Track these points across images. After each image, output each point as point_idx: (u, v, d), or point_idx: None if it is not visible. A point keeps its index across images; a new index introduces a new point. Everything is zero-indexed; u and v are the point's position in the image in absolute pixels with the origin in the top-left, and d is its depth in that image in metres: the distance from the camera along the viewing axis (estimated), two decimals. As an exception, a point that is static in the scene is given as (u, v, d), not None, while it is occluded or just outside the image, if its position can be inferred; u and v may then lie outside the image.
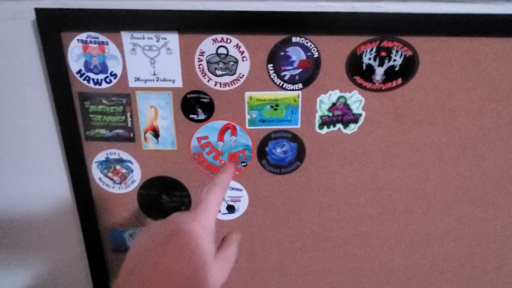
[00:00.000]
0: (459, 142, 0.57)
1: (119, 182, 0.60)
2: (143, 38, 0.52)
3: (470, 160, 0.58)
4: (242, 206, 0.61)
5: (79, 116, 0.56)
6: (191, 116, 0.56)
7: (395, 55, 0.51)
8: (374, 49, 0.51)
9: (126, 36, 0.52)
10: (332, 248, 0.64)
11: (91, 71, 0.54)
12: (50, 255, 0.66)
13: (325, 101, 0.55)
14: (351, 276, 0.67)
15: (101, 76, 0.54)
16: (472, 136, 0.57)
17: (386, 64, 0.52)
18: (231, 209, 0.61)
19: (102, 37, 0.52)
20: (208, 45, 0.52)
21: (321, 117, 0.55)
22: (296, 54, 0.52)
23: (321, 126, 0.56)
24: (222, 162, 0.58)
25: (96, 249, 0.64)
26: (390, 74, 0.53)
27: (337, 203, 0.61)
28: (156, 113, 0.56)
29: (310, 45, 0.51)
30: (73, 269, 0.68)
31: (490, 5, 0.49)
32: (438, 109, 0.55)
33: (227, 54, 0.52)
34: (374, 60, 0.52)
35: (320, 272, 0.66)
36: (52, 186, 0.61)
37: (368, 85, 0.53)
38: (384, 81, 0.53)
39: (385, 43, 0.51)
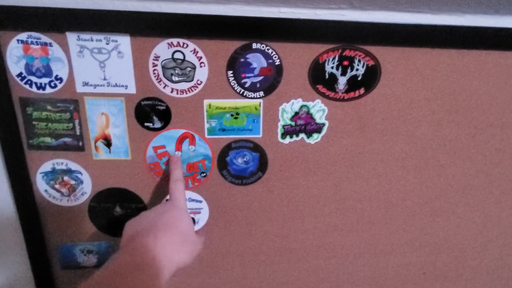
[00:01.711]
0: (421, 152, 0.57)
1: (67, 194, 0.55)
2: (91, 40, 0.48)
3: (432, 170, 0.58)
4: (202, 218, 0.58)
5: (21, 124, 0.51)
6: (146, 124, 0.52)
7: (358, 65, 0.50)
8: (337, 58, 0.50)
9: (72, 38, 0.47)
10: (296, 261, 0.63)
11: (33, 74, 0.49)
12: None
13: (287, 110, 0.53)
14: (315, 288, 0.66)
15: (44, 80, 0.49)
16: (433, 146, 0.57)
17: (349, 74, 0.51)
18: (190, 221, 0.58)
19: (45, 38, 0.47)
20: (163, 49, 0.48)
21: (283, 126, 0.54)
22: (257, 61, 0.50)
23: (283, 135, 0.54)
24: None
25: (43, 266, 0.59)
26: (353, 84, 0.51)
27: (301, 214, 0.59)
28: (108, 120, 0.52)
29: (272, 52, 0.49)
30: None
31: (452, 17, 0.49)
32: (400, 119, 0.55)
33: (183, 60, 0.49)
34: (337, 69, 0.50)
35: (285, 285, 0.64)
36: (-8, 198, 0.55)
37: (331, 94, 0.52)
38: (347, 91, 0.52)
39: (348, 52, 0.50)
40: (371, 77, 0.51)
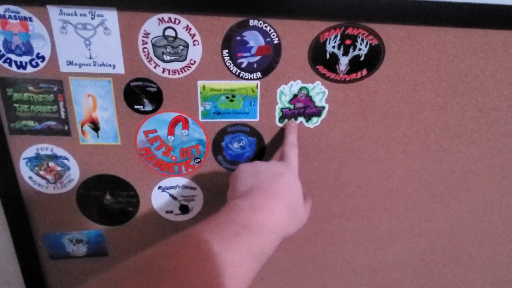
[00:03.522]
0: (424, 136, 0.55)
1: (53, 181, 0.53)
2: (75, 14, 0.44)
3: (434, 155, 0.57)
4: (196, 206, 0.56)
5: (1, 106, 0.48)
6: (136, 107, 0.49)
7: (360, 44, 0.48)
8: (338, 37, 0.47)
9: (54, 12, 0.44)
10: (294, 248, 0.61)
11: (12, 52, 0.45)
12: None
13: (286, 92, 0.50)
14: (314, 275, 0.64)
15: (25, 59, 0.46)
16: (436, 130, 0.55)
17: (351, 54, 0.48)
18: (184, 209, 0.56)
19: (24, 12, 0.44)
20: (153, 25, 0.45)
21: (281, 109, 0.51)
22: (254, 40, 0.47)
23: (281, 119, 0.51)
24: (174, 158, 0.53)
25: (30, 257, 0.56)
26: (355, 64, 0.49)
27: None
28: (95, 102, 0.49)
29: (270, 30, 0.46)
30: (7, 281, 0.60)
31: (459, -7, 0.47)
32: (403, 102, 0.52)
33: (175, 37, 0.46)
34: (338, 48, 0.48)
35: (282, 273, 0.63)
36: (-27, 186, 0.52)
37: (332, 75, 0.49)
38: (348, 72, 0.49)
39: (350, 31, 0.47)
40: (374, 58, 0.49)
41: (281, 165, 0.44)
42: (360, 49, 0.48)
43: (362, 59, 0.48)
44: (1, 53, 0.45)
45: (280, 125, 0.52)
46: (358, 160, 0.56)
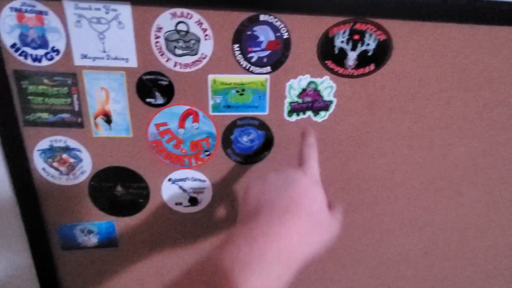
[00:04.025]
0: (428, 131, 0.56)
1: (66, 172, 0.54)
2: (89, 8, 0.45)
3: (438, 149, 0.58)
4: (205, 198, 0.57)
5: (16, 99, 0.49)
6: (148, 100, 0.50)
7: (369, 39, 0.49)
8: (347, 32, 0.48)
9: (69, 6, 0.45)
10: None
11: (28, 45, 0.46)
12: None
13: (294, 86, 0.51)
14: (318, 268, 0.65)
15: (40, 52, 0.47)
16: (440, 125, 0.56)
17: (359, 48, 0.49)
18: (193, 201, 0.57)
19: (39, 6, 0.45)
20: (166, 20, 0.46)
21: (290, 103, 0.52)
22: (264, 34, 0.48)
23: (290, 113, 0.53)
24: (184, 151, 0.54)
25: (42, 248, 0.58)
26: (363, 59, 0.50)
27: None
28: (108, 95, 0.50)
29: (280, 25, 0.47)
30: (19, 271, 0.61)
31: (465, -10, 0.48)
32: (409, 97, 0.54)
33: (187, 32, 0.47)
34: (347, 43, 0.49)
35: (288, 264, 0.64)
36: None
37: (340, 70, 0.50)
38: (356, 67, 0.50)
39: (359, 26, 0.48)
40: (382, 53, 0.50)
41: (296, 171, 0.39)
42: (368, 44, 0.49)
43: (370, 54, 0.49)
44: (17, 46, 0.46)
45: (289, 119, 0.53)
46: (364, 154, 0.57)
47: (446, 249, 0.67)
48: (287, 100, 0.52)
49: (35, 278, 0.60)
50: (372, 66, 0.50)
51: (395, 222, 0.63)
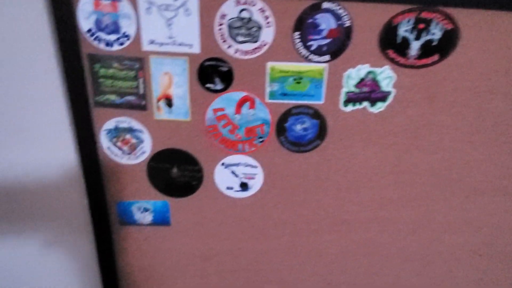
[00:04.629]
0: (491, 127, 0.54)
1: (128, 152, 0.57)
2: (160, -4, 0.47)
3: (500, 147, 0.55)
4: (256, 184, 0.59)
5: (88, 80, 0.53)
6: (207, 85, 0.52)
7: (434, 28, 0.47)
8: (412, 20, 0.47)
9: (141, -7, 0.47)
10: (347, 232, 0.62)
11: (102, 30, 0.50)
12: (57, 224, 0.64)
13: (352, 76, 0.51)
14: (365, 262, 0.65)
15: (113, 37, 0.50)
16: (505, 121, 0.53)
17: (423, 38, 0.48)
18: (244, 186, 0.59)
19: (115, -7, 0.48)
20: (230, 7, 0.47)
21: (347, 93, 0.52)
22: (325, 22, 0.48)
23: (346, 103, 0.52)
24: (238, 136, 0.55)
25: (103, 222, 0.62)
26: (426, 49, 0.48)
27: (357, 185, 0.58)
28: (171, 80, 0.52)
29: (342, 13, 0.47)
30: (79, 240, 0.66)
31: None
32: (473, 91, 0.51)
33: (250, 19, 0.48)
34: (411, 32, 0.47)
35: (333, 255, 0.64)
36: (58, 153, 0.58)
37: (401, 60, 0.49)
38: (419, 57, 0.49)
39: (425, 14, 0.46)
40: (448, 43, 0.48)
41: None
42: (433, 34, 0.47)
43: (434, 44, 0.48)
44: (93, 31, 0.50)
45: (344, 109, 0.53)
46: (420, 148, 0.55)
47: (502, 251, 0.63)
48: (343, 90, 0.52)
49: (95, 252, 0.64)
50: (436, 57, 0.49)
51: (448, 221, 0.61)
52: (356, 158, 0.56)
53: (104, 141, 0.56)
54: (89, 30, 0.50)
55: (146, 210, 0.61)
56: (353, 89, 0.51)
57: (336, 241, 0.63)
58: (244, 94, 0.52)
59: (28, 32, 0.50)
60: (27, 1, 0.48)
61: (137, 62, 0.51)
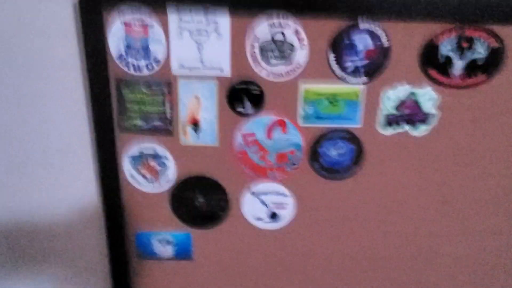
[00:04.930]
0: (546, 152, 0.49)
1: (152, 180, 0.54)
2: (192, 21, 0.47)
3: (557, 174, 0.50)
4: (287, 215, 0.54)
5: (115, 106, 0.51)
6: (238, 109, 0.50)
7: (480, 47, 0.45)
8: (455, 39, 0.45)
9: (173, 19, 0.47)
10: (389, 270, 0.56)
11: (132, 56, 0.49)
12: (72, 260, 0.60)
13: (391, 97, 0.48)
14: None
15: (142, 62, 0.49)
16: (561, 146, 0.49)
17: (468, 57, 0.45)
18: (274, 217, 0.54)
19: (147, 19, 0.47)
20: (263, 30, 0.46)
21: (386, 115, 0.49)
22: (363, 43, 0.46)
23: (385, 126, 0.49)
24: (269, 163, 0.52)
25: (120, 254, 0.58)
26: (472, 69, 0.46)
27: (399, 215, 0.53)
28: (199, 104, 0.51)
29: (381, 33, 0.45)
30: (94, 277, 0.61)
31: None
32: (524, 112, 0.48)
33: (284, 41, 0.47)
34: (454, 52, 0.45)
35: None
36: (79, 182, 0.56)
37: (445, 80, 0.46)
38: (463, 77, 0.46)
39: (469, 32, 0.44)
40: (494, 62, 0.45)
41: None
42: (479, 53, 0.45)
43: (480, 63, 0.45)
44: (123, 57, 0.49)
45: (383, 132, 0.49)
46: (467, 175, 0.51)
47: None
48: (382, 112, 0.49)
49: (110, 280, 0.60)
50: (482, 76, 0.46)
51: (499, 255, 0.54)
52: (397, 186, 0.51)
53: (127, 168, 0.54)
54: (120, 56, 0.49)
55: (167, 242, 0.57)
56: (392, 111, 0.48)
57: (377, 279, 0.57)
58: (275, 117, 0.50)
59: (57, 54, 0.50)
60: (58, 25, 0.48)
61: (165, 87, 0.50)
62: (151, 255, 0.58)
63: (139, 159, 0.54)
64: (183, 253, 0.58)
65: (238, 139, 0.51)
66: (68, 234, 0.58)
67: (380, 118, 0.49)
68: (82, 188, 0.56)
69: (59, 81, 0.51)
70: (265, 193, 0.54)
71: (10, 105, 0.52)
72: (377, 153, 0.50)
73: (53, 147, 0.54)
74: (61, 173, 0.55)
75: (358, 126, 0.49)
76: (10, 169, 0.55)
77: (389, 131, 0.49)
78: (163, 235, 0.57)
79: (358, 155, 0.51)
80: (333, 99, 0.48)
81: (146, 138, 0.52)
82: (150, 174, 0.54)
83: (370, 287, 0.57)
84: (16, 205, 0.57)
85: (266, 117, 0.50)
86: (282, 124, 0.50)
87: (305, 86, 0.48)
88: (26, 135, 0.53)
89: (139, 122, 0.52)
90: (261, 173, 0.53)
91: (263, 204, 0.54)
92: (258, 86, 0.49)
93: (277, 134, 0.51)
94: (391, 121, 0.49)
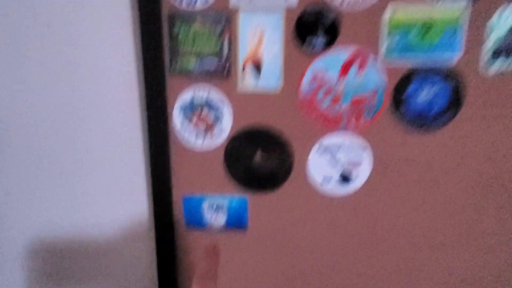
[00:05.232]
0: None
1: (204, 131, 0.47)
2: None
3: None
4: (361, 174, 0.45)
5: (166, 44, 0.45)
6: (307, 41, 0.42)
7: None
8: None
9: None
10: (486, 250, 0.45)
11: (186, -15, 0.43)
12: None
13: (500, 23, 0.38)
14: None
15: (197, -8, 0.43)
16: None
17: None
18: (346, 178, 0.46)
19: None
20: None
21: (492, 46, 0.39)
22: (466, -49, 0.37)
23: (491, 60, 0.40)
24: (342, 108, 0.43)
25: (166, 221, 0.51)
26: None
27: (502, 176, 0.42)
28: (261, 38, 0.44)
29: None
30: (137, 246, 0.55)
31: None
32: None
33: (365, -45, 0.39)
34: None
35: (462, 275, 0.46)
36: (126, 136, 0.50)
37: None
38: None
39: None
40: None
41: None
42: None
43: None
44: (176, -14, 0.44)
45: (489, 68, 0.40)
46: None
47: None
48: (489, 42, 0.39)
49: (154, 259, 0.53)
50: None
51: None
52: (502, 136, 0.41)
53: (177, 118, 0.47)
54: (172, -14, 0.44)
55: (219, 208, 0.50)
56: (502, 40, 0.39)
57: (471, 260, 0.45)
58: (352, 51, 0.42)
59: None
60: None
61: (223, 19, 0.44)
62: (200, 223, 0.51)
63: (191, 107, 0.47)
64: (236, 221, 0.50)
65: (306, 81, 0.44)
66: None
67: (486, 49, 0.39)
68: (130, 141, 0.50)
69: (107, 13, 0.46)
70: (337, 147, 0.45)
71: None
72: (480, 94, 0.41)
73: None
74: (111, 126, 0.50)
75: (457, 60, 0.40)
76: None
77: (496, 66, 0.40)
78: (214, 198, 0.50)
79: (455, 97, 0.41)
80: (426, 25, 0.40)
81: (199, 83, 0.46)
82: (202, 124, 0.47)
83: (467, 267, 0.46)
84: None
85: (340, 51, 0.42)
86: (360, 59, 0.42)
87: (391, 9, 0.40)
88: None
89: (192, 60, 0.46)
90: (332, 121, 0.44)
91: (333, 161, 0.45)
92: (331, 14, 0.41)
93: (353, 72, 0.42)
94: (499, 51, 0.39)
